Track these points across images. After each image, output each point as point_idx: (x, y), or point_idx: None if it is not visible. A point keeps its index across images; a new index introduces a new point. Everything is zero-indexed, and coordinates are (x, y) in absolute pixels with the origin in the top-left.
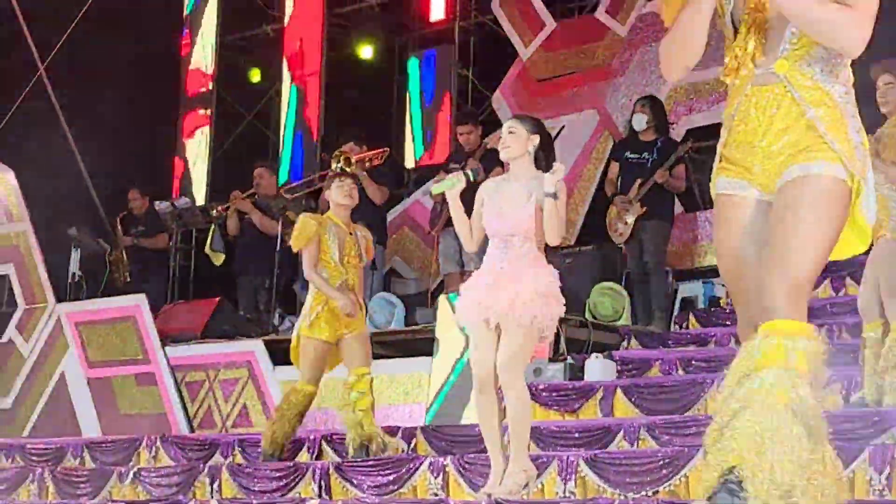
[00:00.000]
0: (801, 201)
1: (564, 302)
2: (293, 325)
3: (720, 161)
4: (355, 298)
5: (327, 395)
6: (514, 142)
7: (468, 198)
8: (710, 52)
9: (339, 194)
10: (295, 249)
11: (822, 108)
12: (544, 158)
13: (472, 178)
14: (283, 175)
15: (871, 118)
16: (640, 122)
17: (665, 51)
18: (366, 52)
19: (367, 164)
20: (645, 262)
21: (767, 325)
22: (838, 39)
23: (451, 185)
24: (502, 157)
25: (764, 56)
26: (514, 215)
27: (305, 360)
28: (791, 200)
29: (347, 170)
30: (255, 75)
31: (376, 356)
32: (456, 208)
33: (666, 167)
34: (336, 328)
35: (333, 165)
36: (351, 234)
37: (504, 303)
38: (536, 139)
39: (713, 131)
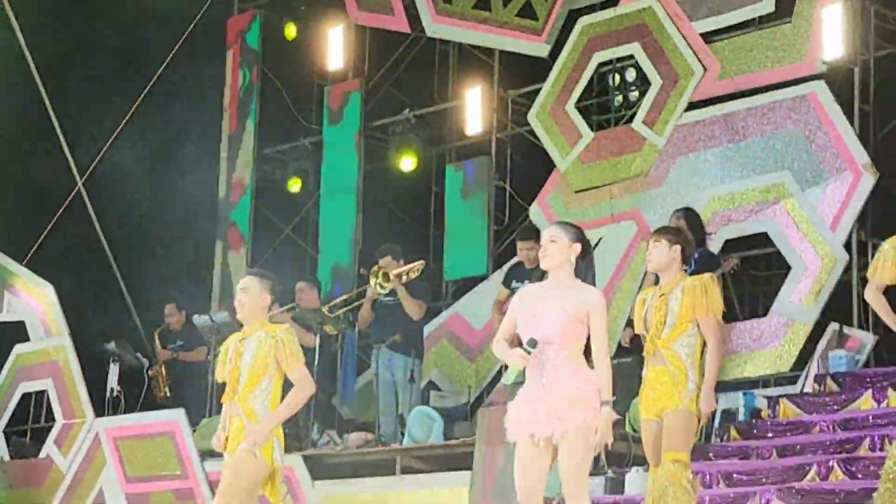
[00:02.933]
0: None
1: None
2: (332, 439)
3: None
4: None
5: None
6: (555, 251)
7: None
8: (747, 163)
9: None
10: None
11: None
12: (585, 269)
13: (531, 351)
14: (324, 288)
15: None
16: None
17: None
18: (403, 164)
19: (405, 278)
20: None
21: None
22: None
23: (518, 370)
24: (542, 266)
25: None
26: (548, 325)
27: None
28: None
29: (385, 286)
30: (295, 184)
31: (415, 470)
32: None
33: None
34: None
35: (371, 282)
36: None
37: (546, 415)
38: (578, 248)
39: (752, 241)
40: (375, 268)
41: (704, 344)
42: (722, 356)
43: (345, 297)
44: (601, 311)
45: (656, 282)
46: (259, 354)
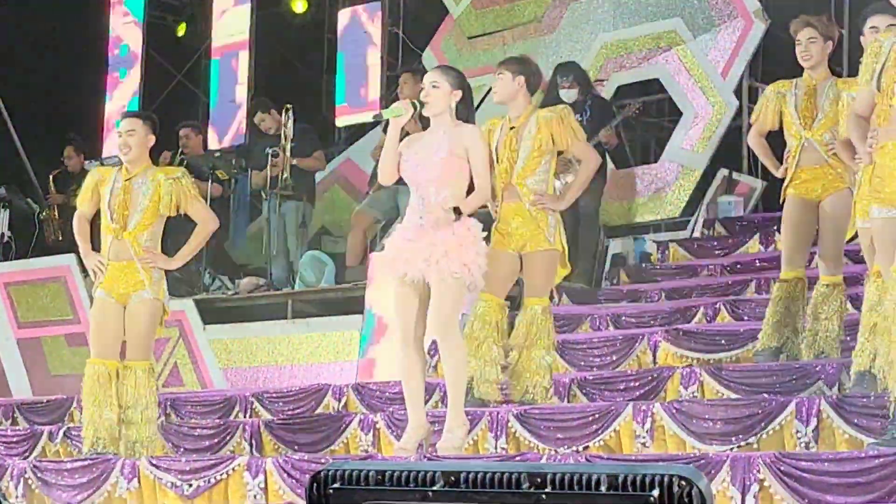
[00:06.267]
0: None
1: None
2: (224, 284)
3: None
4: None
5: (258, 353)
6: (437, 97)
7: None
8: (639, 9)
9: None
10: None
11: None
12: (465, 113)
13: (418, 108)
14: (214, 133)
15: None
16: (571, 96)
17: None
18: (296, 8)
19: (290, 143)
20: (577, 214)
21: None
22: None
23: (397, 113)
24: (425, 112)
25: None
26: (428, 162)
27: None
28: None
29: (291, 186)
30: (182, 29)
31: (306, 314)
32: (393, 136)
33: (611, 126)
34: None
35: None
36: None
37: (423, 259)
38: (458, 95)
39: (642, 88)
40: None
41: (555, 177)
42: (590, 176)
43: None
44: (478, 143)
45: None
46: (157, 196)
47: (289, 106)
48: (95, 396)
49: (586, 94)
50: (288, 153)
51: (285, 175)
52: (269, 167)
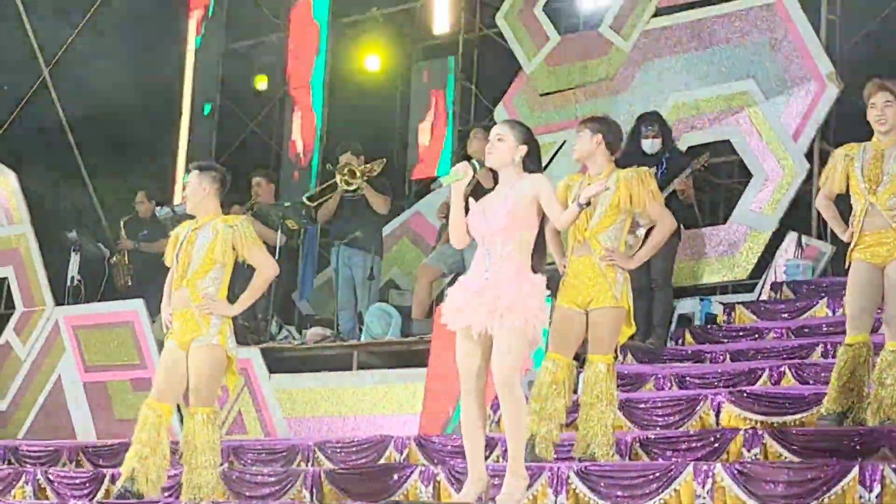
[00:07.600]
0: None
1: (549, 310)
2: (290, 334)
3: None
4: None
5: (322, 403)
6: (500, 150)
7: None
8: (712, 70)
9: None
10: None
11: None
12: (532, 167)
13: (478, 168)
14: (285, 183)
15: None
16: (655, 146)
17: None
18: (370, 62)
19: (367, 175)
20: (652, 275)
21: None
22: None
23: (457, 178)
24: (487, 163)
25: None
26: (494, 215)
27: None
28: None
29: (352, 182)
30: (262, 80)
31: (371, 366)
32: (457, 199)
33: (685, 176)
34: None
35: (337, 178)
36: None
37: (486, 311)
38: (524, 150)
39: (714, 149)
40: (341, 164)
41: (627, 234)
42: (664, 238)
43: (319, 188)
44: (547, 186)
45: (583, 171)
46: (214, 243)
47: (384, 159)
48: (140, 436)
49: (667, 146)
50: (366, 167)
51: (355, 186)
52: (339, 184)
